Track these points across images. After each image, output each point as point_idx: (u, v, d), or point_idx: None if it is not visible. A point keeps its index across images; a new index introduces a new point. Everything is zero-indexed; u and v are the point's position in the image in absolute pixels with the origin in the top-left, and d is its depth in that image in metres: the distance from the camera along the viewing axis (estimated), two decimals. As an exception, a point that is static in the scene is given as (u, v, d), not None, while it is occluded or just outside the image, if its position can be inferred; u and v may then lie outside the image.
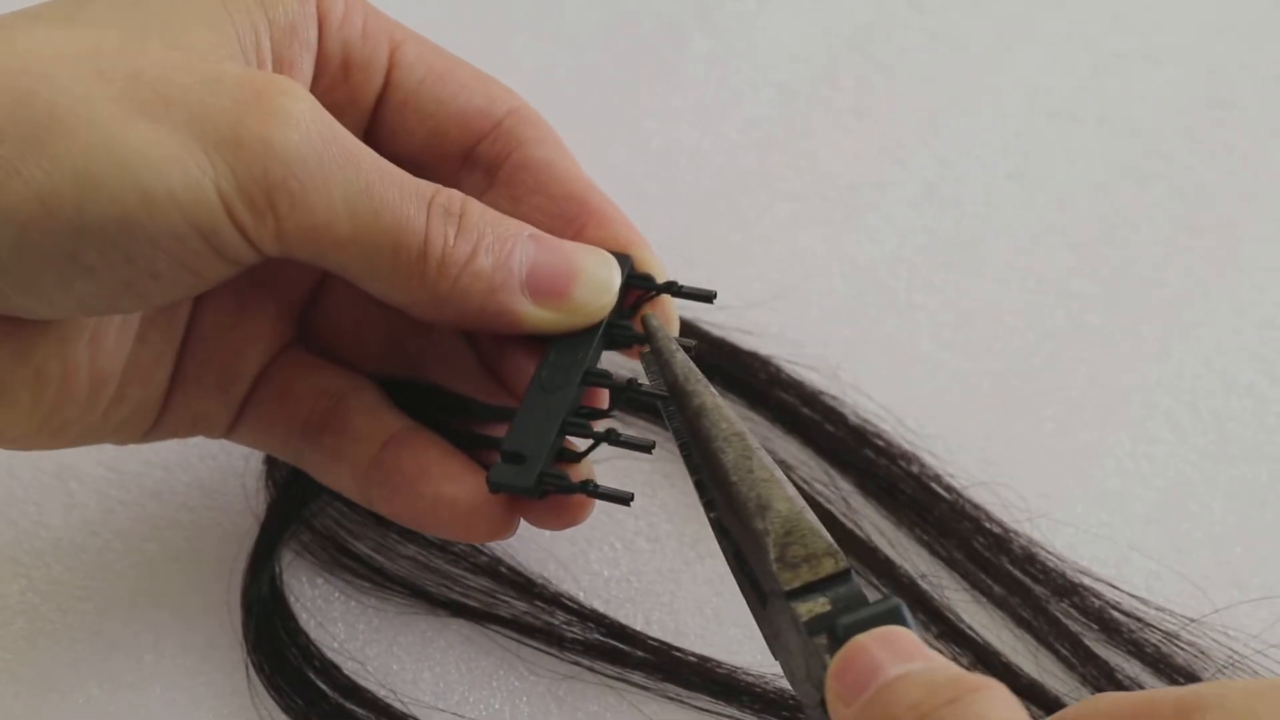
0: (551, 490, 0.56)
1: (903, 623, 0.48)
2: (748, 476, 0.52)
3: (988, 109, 0.79)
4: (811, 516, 0.51)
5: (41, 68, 0.51)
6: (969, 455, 0.67)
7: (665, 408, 0.55)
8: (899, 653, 0.47)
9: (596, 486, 0.56)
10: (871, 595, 0.64)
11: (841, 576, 0.50)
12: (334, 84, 0.58)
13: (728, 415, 0.53)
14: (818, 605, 0.49)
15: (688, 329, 0.69)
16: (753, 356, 0.70)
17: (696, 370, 0.55)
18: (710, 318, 0.70)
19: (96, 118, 0.50)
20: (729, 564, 0.53)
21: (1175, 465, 0.67)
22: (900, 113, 0.79)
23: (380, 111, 0.59)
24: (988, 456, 0.67)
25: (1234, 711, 0.44)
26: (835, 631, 0.48)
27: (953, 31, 0.82)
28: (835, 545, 0.50)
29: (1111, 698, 0.47)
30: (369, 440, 0.59)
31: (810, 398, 0.68)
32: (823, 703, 0.48)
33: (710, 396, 0.54)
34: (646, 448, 0.56)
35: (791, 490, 0.51)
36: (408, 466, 0.58)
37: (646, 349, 0.57)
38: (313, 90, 0.57)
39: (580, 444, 0.57)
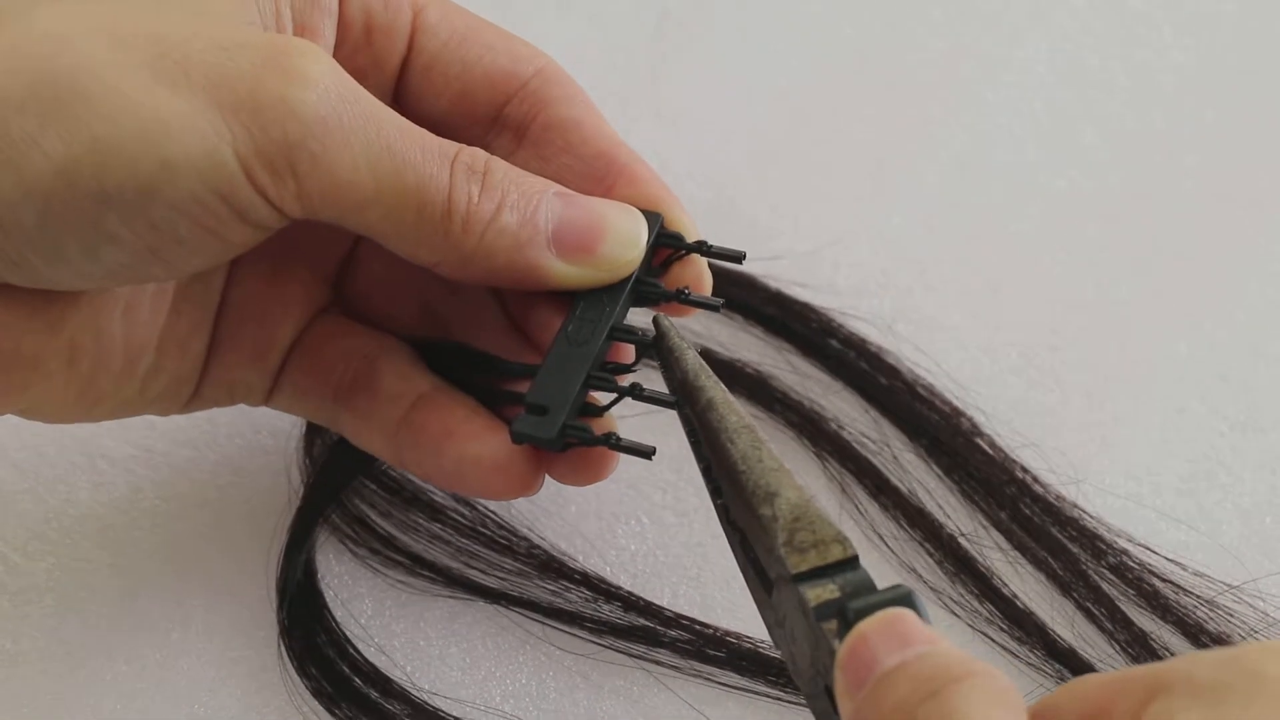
0: (574, 443, 0.56)
1: (914, 608, 0.47)
2: (757, 466, 0.51)
3: (1017, 79, 0.78)
4: (820, 505, 0.51)
5: (62, 39, 0.51)
6: (999, 425, 0.67)
7: (678, 404, 0.55)
8: (896, 640, 0.46)
9: (619, 440, 0.56)
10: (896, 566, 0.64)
11: (850, 563, 0.49)
12: (357, 49, 0.58)
13: (737, 409, 0.53)
14: (826, 591, 0.49)
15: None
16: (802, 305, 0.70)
17: (706, 367, 0.55)
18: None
19: (115, 86, 0.51)
20: (734, 554, 0.53)
21: (1205, 436, 0.67)
22: (929, 84, 0.79)
23: (405, 76, 0.59)
24: (1016, 428, 0.67)
25: (1202, 682, 0.44)
26: (846, 615, 0.47)
27: (982, 1, 0.81)
28: (843, 533, 0.50)
29: (1092, 678, 0.46)
30: (398, 401, 0.59)
31: (854, 342, 0.69)
32: (827, 690, 0.48)
33: (720, 391, 0.54)
34: (671, 403, 0.56)
35: (800, 481, 0.51)
36: (434, 427, 0.58)
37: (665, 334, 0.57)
38: (336, 56, 0.57)
39: (604, 399, 0.57)
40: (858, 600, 0.47)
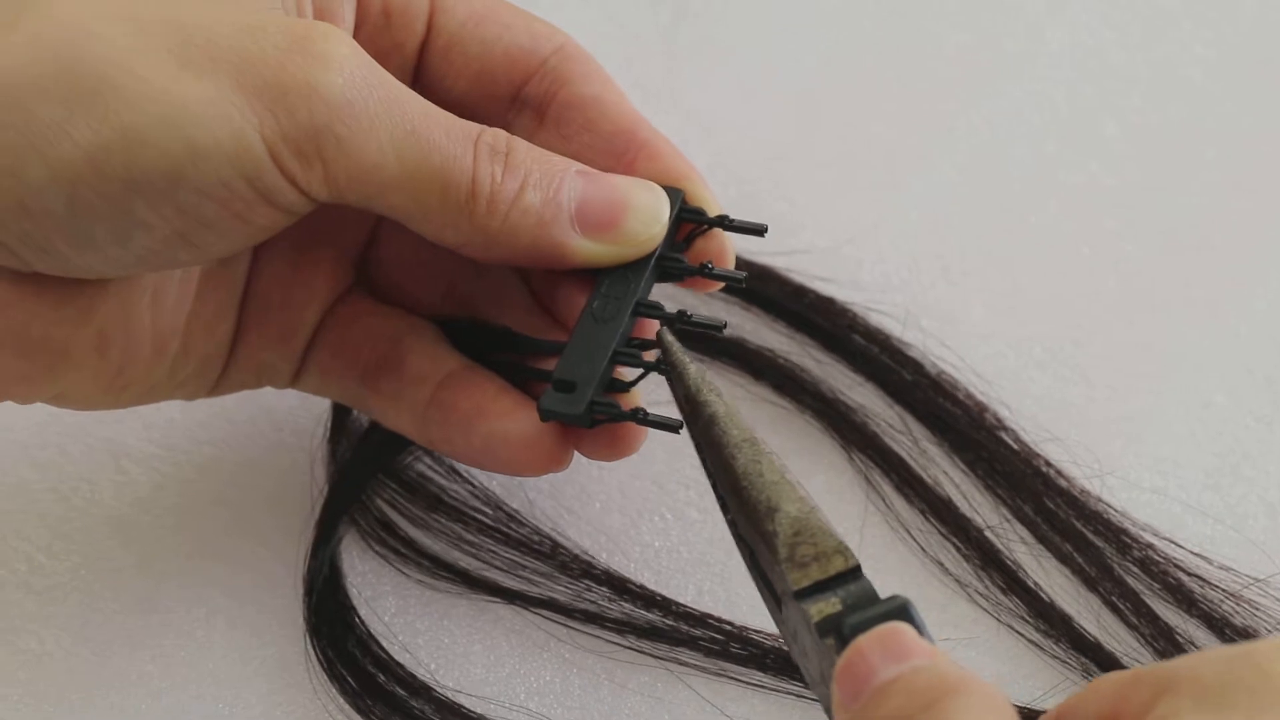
0: (601, 419, 0.56)
1: (910, 620, 0.47)
2: (758, 480, 0.51)
3: (1037, 72, 0.78)
4: (822, 516, 0.50)
5: (84, 27, 0.51)
6: (1023, 420, 0.67)
7: (685, 417, 0.55)
8: (893, 653, 0.46)
9: (646, 414, 0.56)
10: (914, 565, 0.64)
11: (852, 574, 0.49)
12: (376, 32, 0.58)
13: (739, 422, 0.53)
14: (829, 605, 0.49)
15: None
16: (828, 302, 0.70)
17: (709, 380, 0.54)
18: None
19: (141, 73, 0.51)
20: (748, 568, 0.53)
21: (1230, 429, 0.67)
22: (949, 78, 0.78)
23: (425, 57, 0.59)
24: (1040, 422, 0.67)
25: (1209, 682, 0.43)
26: (842, 632, 0.47)
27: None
28: (844, 543, 0.50)
29: (1109, 678, 0.46)
30: (425, 381, 0.59)
31: (878, 337, 0.68)
32: None
33: (721, 405, 0.54)
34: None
35: (802, 491, 0.51)
36: (463, 405, 0.58)
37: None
38: (355, 39, 0.57)
39: (630, 374, 0.57)
40: (854, 616, 0.47)
